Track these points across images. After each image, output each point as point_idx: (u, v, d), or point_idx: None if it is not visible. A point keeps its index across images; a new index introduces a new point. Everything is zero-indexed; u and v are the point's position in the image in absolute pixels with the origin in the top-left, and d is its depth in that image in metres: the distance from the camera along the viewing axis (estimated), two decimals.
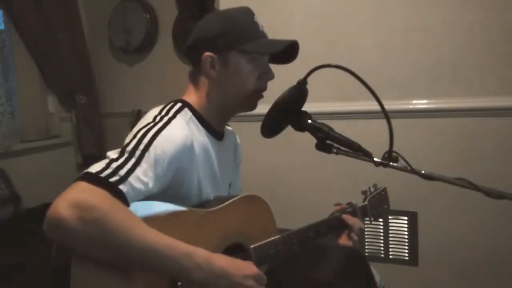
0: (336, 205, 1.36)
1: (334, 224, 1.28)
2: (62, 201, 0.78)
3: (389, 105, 0.96)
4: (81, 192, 0.80)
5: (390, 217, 2.10)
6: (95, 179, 0.83)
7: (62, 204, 0.77)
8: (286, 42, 1.09)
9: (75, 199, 0.78)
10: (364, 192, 1.44)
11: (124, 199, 0.85)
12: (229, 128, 1.29)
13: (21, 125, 2.91)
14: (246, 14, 1.10)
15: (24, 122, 2.93)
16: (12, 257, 2.01)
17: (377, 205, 1.43)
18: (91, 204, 0.78)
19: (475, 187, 0.89)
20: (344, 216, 1.29)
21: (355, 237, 1.29)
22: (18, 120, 2.90)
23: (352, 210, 1.34)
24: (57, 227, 0.77)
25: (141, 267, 0.86)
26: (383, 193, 1.48)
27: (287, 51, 1.11)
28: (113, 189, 0.83)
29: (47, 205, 2.45)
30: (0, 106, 2.80)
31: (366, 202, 1.40)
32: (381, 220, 2.11)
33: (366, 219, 1.39)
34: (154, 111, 1.05)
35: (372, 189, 1.46)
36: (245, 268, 0.94)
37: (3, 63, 2.85)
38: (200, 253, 0.89)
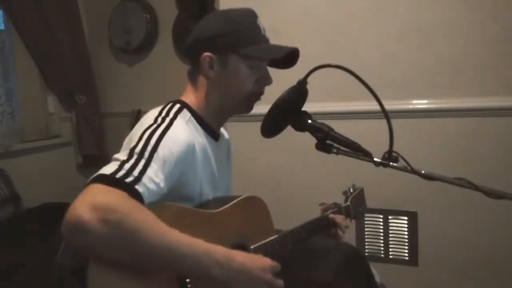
0: (321, 204, 1.38)
1: (323, 224, 1.31)
2: (81, 204, 0.76)
3: (389, 105, 0.96)
4: (100, 194, 0.79)
5: (390, 217, 2.10)
6: (111, 180, 0.82)
7: (82, 207, 0.75)
8: (286, 49, 1.09)
9: (95, 201, 0.77)
10: (344, 193, 1.49)
11: (141, 200, 0.84)
12: (225, 133, 1.29)
13: (21, 125, 2.91)
14: (249, 16, 1.10)
15: (24, 122, 2.93)
16: (12, 257, 2.01)
17: (357, 205, 1.49)
18: (112, 205, 0.77)
19: (475, 187, 0.89)
20: (332, 215, 1.33)
21: (342, 235, 1.33)
22: (18, 120, 2.90)
23: (338, 210, 1.38)
24: (79, 230, 0.75)
25: (161, 266, 0.85)
26: (361, 193, 1.54)
27: (287, 57, 1.11)
28: (130, 190, 0.83)
29: (47, 205, 2.44)
30: (0, 106, 2.80)
31: (348, 203, 1.44)
32: (381, 220, 2.12)
33: (347, 218, 1.44)
34: (154, 112, 1.05)
35: (351, 190, 1.50)
36: (261, 261, 0.96)
37: (3, 63, 2.84)
38: (219, 250, 0.89)
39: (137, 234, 0.79)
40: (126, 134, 0.99)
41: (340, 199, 1.45)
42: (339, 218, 1.33)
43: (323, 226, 1.31)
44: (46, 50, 2.89)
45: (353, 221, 1.50)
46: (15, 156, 2.73)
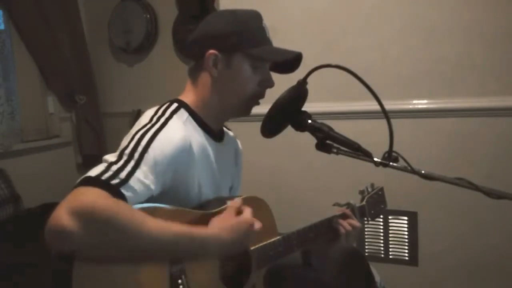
0: (334, 205, 1.36)
1: (333, 225, 1.28)
2: (63, 211, 0.75)
3: (389, 105, 0.96)
4: (82, 197, 0.78)
5: (390, 217, 2.10)
6: (95, 182, 0.81)
7: (64, 214, 0.74)
8: (292, 53, 1.09)
9: (77, 206, 0.75)
10: (361, 192, 1.44)
11: (125, 202, 0.84)
12: (230, 133, 1.29)
13: (21, 125, 2.91)
14: (256, 18, 1.09)
15: (24, 122, 2.93)
16: (12, 257, 2.01)
17: (375, 204, 1.44)
18: (93, 207, 0.76)
19: (475, 187, 0.89)
20: (343, 216, 1.29)
21: (353, 238, 1.29)
22: (18, 120, 2.90)
23: (351, 210, 1.34)
24: (61, 237, 0.74)
25: (151, 260, 0.86)
26: (380, 192, 1.48)
27: (290, 61, 1.11)
28: (114, 191, 0.82)
29: (47, 205, 2.43)
30: (0, 106, 2.80)
31: (364, 202, 1.40)
32: (381, 220, 2.11)
33: (364, 219, 1.40)
34: (150, 112, 1.04)
35: (369, 189, 1.46)
36: (237, 223, 0.97)
37: (3, 63, 2.84)
38: (204, 233, 0.92)
39: (122, 235, 0.78)
40: (126, 134, 0.99)
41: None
42: (350, 220, 1.28)
43: (332, 227, 1.27)
44: (46, 50, 2.89)
45: None
46: (15, 156, 2.73)
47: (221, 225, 0.96)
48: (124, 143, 0.93)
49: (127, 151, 0.90)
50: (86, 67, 3.09)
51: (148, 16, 2.96)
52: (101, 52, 3.20)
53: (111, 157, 0.89)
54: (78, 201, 0.77)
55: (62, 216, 0.74)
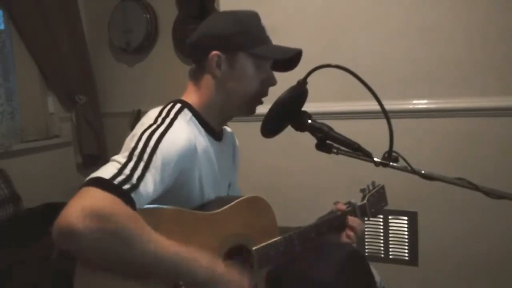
0: (335, 203, 1.35)
1: (335, 224, 1.28)
2: (75, 210, 0.74)
3: (389, 105, 0.96)
4: (96, 200, 0.78)
5: (390, 217, 2.10)
6: (109, 186, 0.81)
7: (76, 213, 0.74)
8: (294, 50, 1.09)
9: (90, 208, 0.75)
10: (362, 190, 1.44)
11: (134, 208, 0.84)
12: (228, 129, 1.29)
13: (21, 125, 2.91)
14: (255, 17, 1.10)
15: (24, 122, 2.93)
16: (12, 257, 2.01)
17: (376, 203, 1.43)
18: (109, 214, 0.76)
19: (475, 187, 0.89)
20: (347, 217, 1.29)
21: (356, 238, 1.29)
22: (18, 120, 2.90)
23: (352, 209, 1.34)
24: (70, 237, 0.74)
25: (152, 274, 0.87)
26: (381, 190, 1.48)
27: (289, 59, 1.12)
28: (126, 198, 0.82)
29: (47, 205, 2.43)
30: (0, 106, 2.80)
31: (365, 201, 1.40)
32: (381, 220, 2.11)
33: (365, 217, 1.40)
34: (154, 112, 1.04)
35: (370, 187, 1.46)
36: (239, 280, 0.99)
37: (3, 63, 2.85)
38: (205, 259, 0.92)
39: (130, 245, 0.79)
40: (126, 134, 0.99)
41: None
42: (353, 221, 1.28)
43: (334, 226, 1.27)
44: (46, 50, 2.89)
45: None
46: (15, 156, 2.73)
47: (226, 268, 0.97)
48: (131, 144, 0.92)
49: (137, 152, 0.90)
50: (86, 67, 3.09)
51: (148, 16, 2.97)
52: (101, 52, 3.21)
53: (120, 158, 0.89)
54: (94, 204, 0.77)
55: (74, 215, 0.74)
